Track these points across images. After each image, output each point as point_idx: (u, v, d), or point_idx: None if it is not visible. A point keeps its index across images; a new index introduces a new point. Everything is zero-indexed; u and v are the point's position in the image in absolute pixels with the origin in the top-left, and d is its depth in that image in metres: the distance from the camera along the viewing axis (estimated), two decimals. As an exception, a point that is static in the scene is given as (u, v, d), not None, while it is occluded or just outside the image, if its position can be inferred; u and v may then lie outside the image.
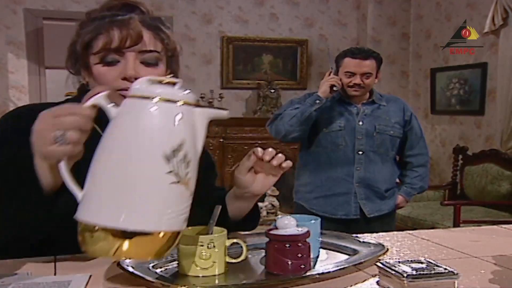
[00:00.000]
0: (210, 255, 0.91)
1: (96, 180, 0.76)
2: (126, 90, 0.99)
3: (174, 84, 0.81)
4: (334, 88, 2.34)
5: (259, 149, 1.06)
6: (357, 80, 2.37)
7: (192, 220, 0.84)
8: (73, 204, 0.78)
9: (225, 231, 0.95)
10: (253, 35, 5.51)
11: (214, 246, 0.92)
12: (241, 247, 0.96)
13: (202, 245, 0.91)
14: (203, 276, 0.91)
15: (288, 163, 1.08)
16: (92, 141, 0.81)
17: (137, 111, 0.76)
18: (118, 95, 1.02)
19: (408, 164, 2.56)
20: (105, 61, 1.04)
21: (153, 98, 0.76)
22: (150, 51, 1.06)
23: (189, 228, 0.94)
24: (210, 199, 1.09)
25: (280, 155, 1.07)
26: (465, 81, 4.91)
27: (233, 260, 0.96)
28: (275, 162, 1.06)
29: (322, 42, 5.61)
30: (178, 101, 0.78)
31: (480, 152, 4.41)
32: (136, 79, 0.84)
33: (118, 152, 0.75)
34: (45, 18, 4.96)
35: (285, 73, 5.63)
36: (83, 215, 0.76)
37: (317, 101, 2.32)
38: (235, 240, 0.96)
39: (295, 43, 5.60)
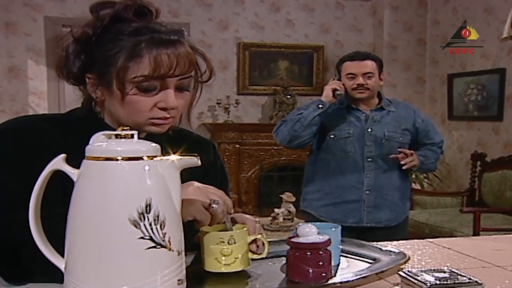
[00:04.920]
0: (231, 251, 0.92)
1: (74, 249, 0.73)
2: (163, 119, 0.95)
3: (131, 136, 0.75)
4: (337, 92, 2.33)
5: None
6: (359, 80, 2.35)
7: None
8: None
9: (246, 227, 0.96)
10: (269, 41, 5.52)
11: (235, 242, 0.92)
12: (263, 243, 0.97)
13: (223, 242, 0.92)
14: (227, 272, 0.93)
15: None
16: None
17: (98, 174, 0.71)
18: (151, 124, 0.96)
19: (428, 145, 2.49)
20: (141, 89, 0.92)
21: (114, 158, 0.70)
22: (189, 76, 0.96)
23: (212, 226, 0.95)
24: None
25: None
26: (483, 87, 4.86)
27: (256, 256, 0.96)
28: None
29: (338, 48, 5.60)
30: (141, 157, 0.72)
31: (499, 159, 4.35)
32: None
33: (87, 220, 0.71)
34: (64, 26, 5.03)
35: (301, 79, 5.63)
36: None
37: (320, 106, 2.32)
38: (256, 236, 0.96)
39: (311, 49, 5.60)
